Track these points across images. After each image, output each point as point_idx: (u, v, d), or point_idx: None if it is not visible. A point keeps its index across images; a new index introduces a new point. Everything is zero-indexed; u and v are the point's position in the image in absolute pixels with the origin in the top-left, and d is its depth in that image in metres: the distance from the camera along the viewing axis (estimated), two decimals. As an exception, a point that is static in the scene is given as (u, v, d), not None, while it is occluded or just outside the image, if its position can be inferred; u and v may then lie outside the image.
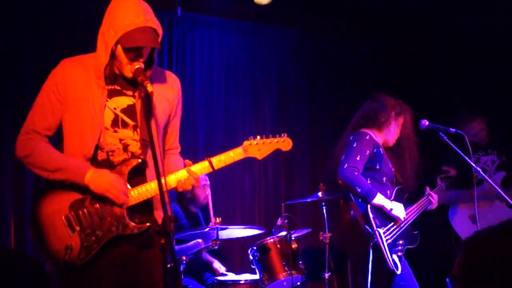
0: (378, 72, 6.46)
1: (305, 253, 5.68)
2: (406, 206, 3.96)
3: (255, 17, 6.07)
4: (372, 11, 6.02)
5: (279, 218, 4.92)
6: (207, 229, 4.39)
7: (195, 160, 5.53)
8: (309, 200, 4.94)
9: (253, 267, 4.72)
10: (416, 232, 4.03)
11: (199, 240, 4.63)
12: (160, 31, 2.68)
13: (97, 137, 2.67)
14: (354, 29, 6.35)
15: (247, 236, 4.88)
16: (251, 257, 4.68)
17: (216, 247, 4.41)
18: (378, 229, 3.75)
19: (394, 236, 3.82)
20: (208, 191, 5.00)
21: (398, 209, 3.81)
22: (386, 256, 3.69)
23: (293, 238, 4.59)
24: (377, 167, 3.91)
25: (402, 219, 3.82)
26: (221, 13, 5.92)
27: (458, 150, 3.89)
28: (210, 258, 5.07)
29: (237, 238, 4.89)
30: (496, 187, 3.91)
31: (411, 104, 4.25)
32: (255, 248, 4.63)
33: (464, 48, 6.00)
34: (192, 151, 5.77)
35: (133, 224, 2.66)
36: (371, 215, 3.77)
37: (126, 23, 2.58)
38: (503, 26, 5.54)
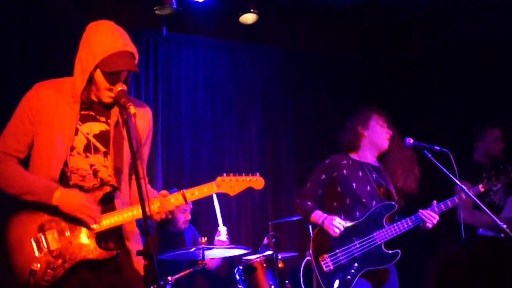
0: (365, 88, 6.45)
1: (292, 273, 5.64)
2: (385, 226, 3.83)
3: (240, 36, 6.08)
4: (360, 24, 6.05)
5: (266, 237, 4.90)
6: (192, 249, 4.36)
7: (181, 178, 5.55)
8: (295, 218, 4.93)
9: (239, 287, 4.68)
10: (393, 251, 3.82)
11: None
12: (137, 55, 2.72)
13: (63, 160, 2.67)
14: (341, 45, 6.35)
15: (234, 256, 4.85)
16: (237, 277, 4.64)
17: (202, 267, 4.38)
18: (313, 255, 3.78)
19: (349, 258, 3.75)
20: (189, 216, 4.96)
21: (330, 222, 3.75)
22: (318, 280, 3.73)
23: (279, 258, 4.57)
24: (338, 189, 3.93)
25: (334, 232, 3.73)
26: (206, 32, 5.93)
27: (444, 169, 3.89)
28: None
29: (224, 258, 4.86)
30: (489, 212, 3.83)
31: (400, 119, 4.23)
32: (241, 267, 4.60)
33: (455, 58, 6.03)
34: (178, 170, 5.74)
35: (100, 250, 2.66)
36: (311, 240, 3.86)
37: (105, 47, 2.61)
38: (495, 36, 5.59)
